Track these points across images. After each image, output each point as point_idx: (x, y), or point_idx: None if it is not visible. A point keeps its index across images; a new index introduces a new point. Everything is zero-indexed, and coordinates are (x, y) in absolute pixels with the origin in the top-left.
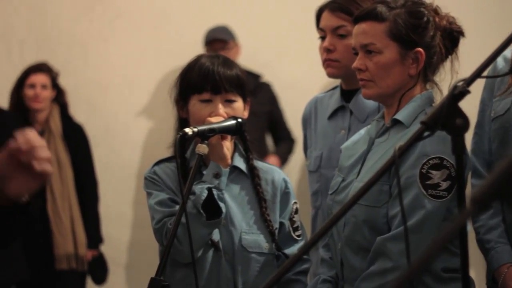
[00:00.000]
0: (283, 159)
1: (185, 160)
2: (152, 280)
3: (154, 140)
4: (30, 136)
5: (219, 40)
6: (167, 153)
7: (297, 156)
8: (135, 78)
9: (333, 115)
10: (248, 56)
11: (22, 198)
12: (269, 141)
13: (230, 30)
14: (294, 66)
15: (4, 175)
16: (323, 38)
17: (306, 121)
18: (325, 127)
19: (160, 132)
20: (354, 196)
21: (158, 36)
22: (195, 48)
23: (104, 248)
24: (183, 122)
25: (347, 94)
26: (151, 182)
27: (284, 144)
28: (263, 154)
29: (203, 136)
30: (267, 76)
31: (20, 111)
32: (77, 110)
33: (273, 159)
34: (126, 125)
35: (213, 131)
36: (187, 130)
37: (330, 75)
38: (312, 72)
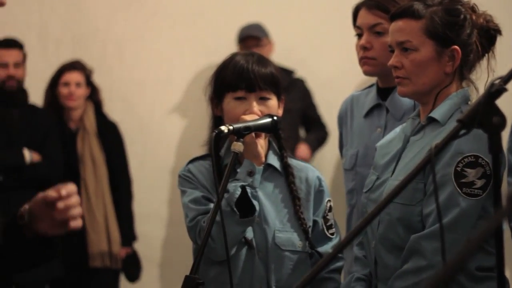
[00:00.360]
0: (313, 147)
1: (220, 158)
2: (187, 278)
3: (188, 138)
4: (68, 192)
5: (252, 37)
6: (201, 151)
7: (332, 154)
8: (170, 76)
9: (369, 113)
10: (283, 53)
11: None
12: (302, 134)
13: (263, 28)
14: (329, 64)
15: (35, 214)
16: (359, 35)
17: (342, 119)
18: (361, 125)
19: (194, 130)
20: (389, 194)
21: (193, 34)
22: (229, 45)
23: (138, 246)
24: (217, 120)
25: (384, 92)
26: (185, 180)
27: (314, 132)
28: (294, 146)
29: (238, 134)
30: (302, 74)
31: (55, 109)
32: (112, 108)
33: (302, 148)
34: (161, 123)
35: (248, 129)
36: (223, 128)
37: (366, 73)
38: (347, 69)
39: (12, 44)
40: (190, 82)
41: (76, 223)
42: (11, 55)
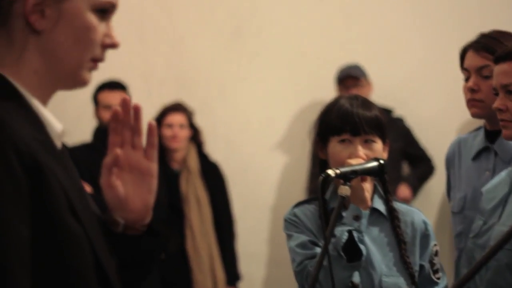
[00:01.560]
0: (415, 186)
1: (325, 202)
2: None
3: (290, 177)
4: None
5: (351, 77)
6: (302, 192)
7: (437, 196)
8: (271, 116)
9: (477, 156)
10: (383, 93)
11: (146, 218)
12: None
13: (362, 68)
14: (430, 104)
15: (117, 199)
16: (467, 78)
17: (450, 162)
18: (469, 168)
19: (296, 169)
20: (498, 242)
21: (294, 74)
22: (330, 85)
23: (241, 286)
24: (322, 163)
25: (492, 134)
26: (291, 224)
27: (419, 168)
28: (396, 186)
29: (345, 178)
30: (403, 114)
31: (158, 150)
32: (214, 149)
33: (403, 189)
34: (263, 163)
35: (355, 173)
36: (330, 172)
37: (474, 115)
38: (449, 109)
39: (116, 86)
40: (292, 121)
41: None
42: (115, 97)
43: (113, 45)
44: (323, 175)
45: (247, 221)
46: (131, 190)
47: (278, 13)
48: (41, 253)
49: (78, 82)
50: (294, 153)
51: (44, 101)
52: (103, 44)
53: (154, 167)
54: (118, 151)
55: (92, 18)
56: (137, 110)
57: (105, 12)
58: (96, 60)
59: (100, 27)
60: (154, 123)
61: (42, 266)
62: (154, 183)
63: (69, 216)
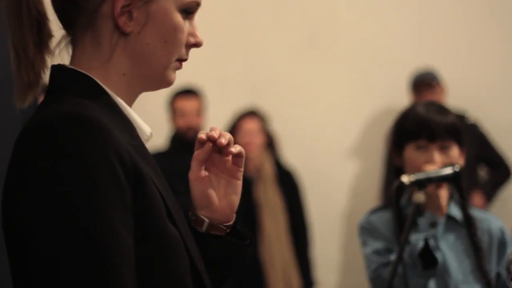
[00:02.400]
0: (489, 194)
1: (400, 209)
2: None
3: (364, 183)
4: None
5: (425, 82)
6: (377, 198)
7: None
8: (346, 122)
9: None
10: (459, 98)
11: (231, 219)
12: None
13: (436, 74)
14: (509, 109)
15: (204, 194)
16: None
17: None
18: None
19: (370, 175)
20: None
21: (368, 79)
22: (404, 90)
23: None
24: (398, 169)
25: None
26: (366, 231)
27: (495, 173)
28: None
29: (420, 185)
30: (480, 119)
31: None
32: (289, 155)
33: (476, 199)
34: (337, 170)
35: (430, 180)
36: (405, 179)
37: None
38: None
39: (191, 93)
40: (366, 127)
41: (239, 148)
42: (190, 104)
43: (198, 44)
44: (397, 182)
45: (322, 227)
46: (216, 189)
47: (353, 19)
48: (144, 260)
49: (164, 82)
50: (368, 159)
51: (130, 103)
52: (187, 43)
53: (240, 172)
54: (210, 145)
55: (179, 18)
56: (221, 145)
57: (190, 11)
58: (181, 60)
59: (185, 27)
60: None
61: (144, 272)
62: (240, 185)
63: (168, 221)
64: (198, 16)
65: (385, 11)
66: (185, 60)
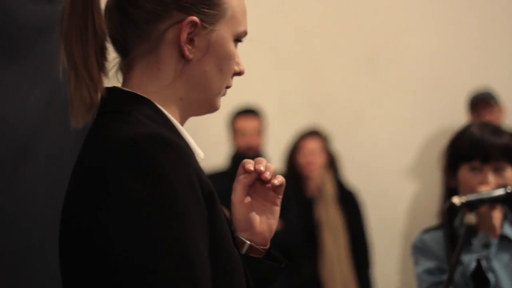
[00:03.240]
0: None
1: (454, 229)
2: None
3: (424, 205)
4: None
5: (484, 102)
6: (436, 218)
7: None
8: (406, 141)
9: None
10: None
11: (268, 243)
12: None
13: (494, 94)
14: None
15: (247, 217)
16: None
17: None
18: None
19: (429, 197)
20: None
21: (427, 100)
22: (462, 110)
23: None
24: (452, 190)
25: None
26: (419, 250)
27: None
28: None
29: (471, 206)
30: None
31: (293, 177)
32: (349, 174)
33: None
34: (397, 189)
35: (482, 201)
36: (456, 200)
37: None
38: None
39: (251, 112)
40: (425, 147)
41: (279, 178)
42: (250, 124)
43: (241, 73)
44: (448, 203)
45: (381, 247)
46: (257, 214)
47: (413, 39)
48: (214, 278)
49: (212, 108)
50: (427, 179)
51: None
52: (233, 71)
53: (279, 199)
54: (256, 174)
55: (233, 47)
56: (266, 179)
57: (240, 40)
58: (227, 87)
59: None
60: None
61: None
62: (278, 211)
63: (232, 241)
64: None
65: (444, 32)
66: (230, 87)
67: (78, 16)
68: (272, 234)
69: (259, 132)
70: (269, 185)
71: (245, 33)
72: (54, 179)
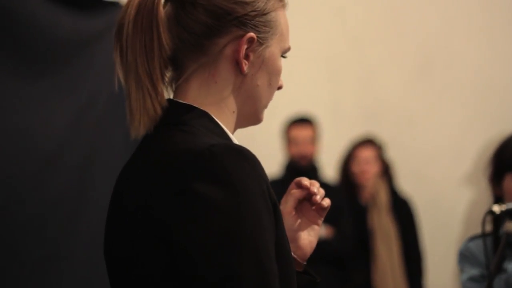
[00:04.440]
0: None
1: (498, 237)
2: None
3: (479, 213)
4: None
5: None
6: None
7: None
8: (461, 149)
9: None
10: None
11: (306, 259)
12: None
13: None
14: None
15: (292, 228)
16: None
17: None
18: None
19: (484, 205)
20: None
21: (482, 107)
22: None
23: None
24: (497, 199)
25: None
26: (464, 257)
27: None
28: None
29: (511, 214)
30: None
31: (348, 186)
32: (404, 182)
33: None
34: (452, 197)
35: None
36: (495, 208)
37: None
38: None
39: (305, 121)
40: (480, 155)
41: (326, 201)
42: (304, 133)
43: (281, 87)
44: (488, 211)
45: (435, 255)
46: (302, 228)
47: (467, 46)
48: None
49: (257, 121)
50: (482, 187)
51: None
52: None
53: (321, 220)
54: (307, 190)
55: (281, 63)
56: (315, 201)
57: (285, 56)
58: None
59: None
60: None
61: None
62: (318, 230)
63: (290, 249)
64: (314, 45)
65: (498, 38)
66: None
67: (143, 29)
68: (312, 251)
69: (313, 140)
70: (315, 207)
71: (289, 49)
72: (80, 190)
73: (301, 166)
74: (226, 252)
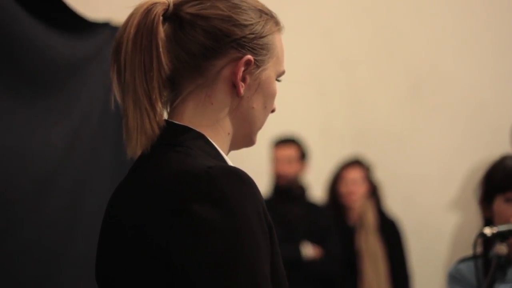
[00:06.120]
0: None
1: (488, 259)
2: None
3: (467, 236)
4: None
5: None
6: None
7: None
8: (449, 172)
9: None
10: None
11: None
12: None
13: None
14: None
15: None
16: None
17: None
18: None
19: (472, 228)
20: None
21: (471, 129)
22: (508, 140)
23: None
24: (487, 221)
25: None
26: (454, 279)
27: None
28: None
29: (502, 236)
30: None
31: (335, 206)
32: (392, 203)
33: None
34: (440, 220)
35: None
36: (486, 230)
37: None
38: None
39: (286, 141)
40: (469, 177)
41: None
42: (283, 152)
43: (273, 111)
44: (479, 233)
45: (422, 277)
46: None
47: (456, 68)
48: None
49: (251, 143)
50: (470, 210)
51: None
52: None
53: None
54: None
55: (275, 86)
56: None
57: (279, 79)
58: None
59: None
60: None
61: None
62: None
63: (284, 271)
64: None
65: (488, 61)
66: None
67: (143, 49)
68: None
69: (293, 160)
70: None
71: (284, 73)
72: (78, 210)
73: (280, 185)
74: (223, 273)
